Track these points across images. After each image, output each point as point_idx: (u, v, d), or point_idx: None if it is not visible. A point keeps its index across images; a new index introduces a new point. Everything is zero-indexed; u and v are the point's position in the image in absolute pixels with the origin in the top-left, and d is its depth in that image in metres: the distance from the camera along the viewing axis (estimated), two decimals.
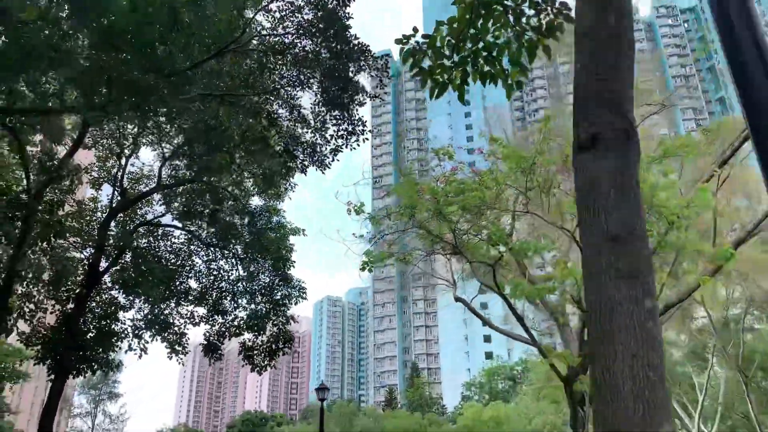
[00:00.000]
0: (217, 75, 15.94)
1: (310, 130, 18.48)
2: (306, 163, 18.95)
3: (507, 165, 15.79)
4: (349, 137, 17.72)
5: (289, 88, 17.64)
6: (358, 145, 17.73)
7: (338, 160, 18.43)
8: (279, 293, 20.73)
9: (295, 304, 21.05)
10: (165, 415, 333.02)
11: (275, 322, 20.65)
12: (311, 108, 17.89)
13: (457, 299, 21.19)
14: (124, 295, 20.19)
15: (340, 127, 17.70)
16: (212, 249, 21.35)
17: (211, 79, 15.67)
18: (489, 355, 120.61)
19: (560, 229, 15.70)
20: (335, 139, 17.94)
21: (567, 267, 13.09)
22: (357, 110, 17.51)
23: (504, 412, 55.59)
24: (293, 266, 20.56)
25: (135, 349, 18.84)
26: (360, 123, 17.64)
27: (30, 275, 17.18)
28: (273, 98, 17.92)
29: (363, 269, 17.57)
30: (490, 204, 15.99)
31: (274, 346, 20.37)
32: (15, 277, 16.01)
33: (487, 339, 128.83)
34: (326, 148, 18.31)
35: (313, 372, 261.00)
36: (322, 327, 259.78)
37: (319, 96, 17.33)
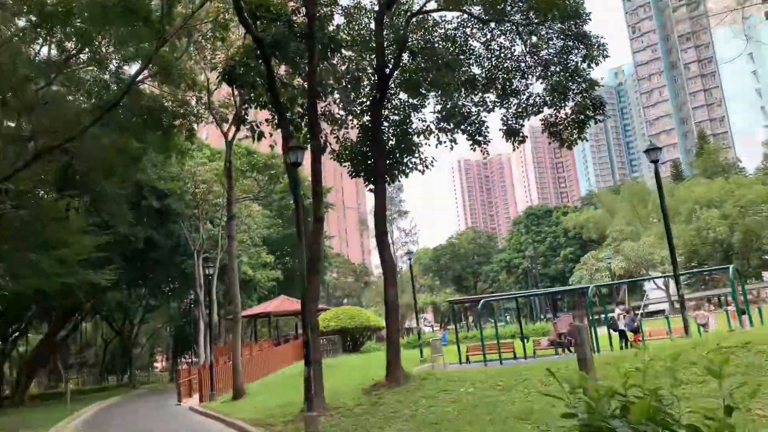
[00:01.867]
0: None
1: None
2: None
3: None
4: None
5: None
6: None
7: None
8: (575, 57, 17.99)
9: (596, 65, 18.19)
10: (446, 227, 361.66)
11: (577, 90, 18.22)
12: None
13: None
14: (413, 98, 19.45)
15: None
16: (488, 26, 19.10)
17: None
18: None
19: None
20: None
21: None
22: None
23: None
24: (589, 20, 17.43)
25: (444, 142, 18.24)
26: None
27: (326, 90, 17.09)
28: None
29: None
30: None
31: (582, 116, 18.12)
32: (316, 98, 15.92)
33: None
34: None
35: (578, 163, 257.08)
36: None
37: None
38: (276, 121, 18.07)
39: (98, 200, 28.01)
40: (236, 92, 20.37)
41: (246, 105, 18.31)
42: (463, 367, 26.53)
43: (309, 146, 15.63)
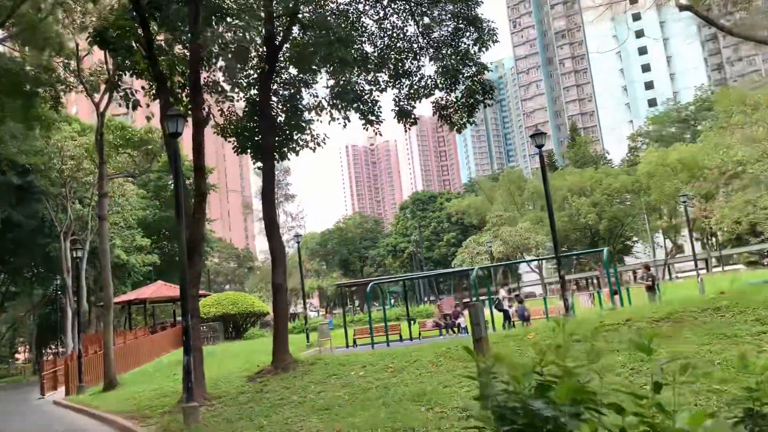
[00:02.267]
0: None
1: None
2: None
3: None
4: None
5: None
6: None
7: None
8: (467, 40, 18.06)
9: (486, 49, 18.37)
10: (333, 211, 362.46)
11: (467, 74, 18.33)
12: None
13: (684, 8, 17.20)
14: (303, 74, 18.72)
15: None
16: (381, 3, 18.72)
17: None
18: (653, 103, 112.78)
19: None
20: None
21: None
22: None
23: (690, 151, 51.51)
24: (481, 2, 17.51)
25: (337, 119, 17.69)
26: None
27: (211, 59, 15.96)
28: None
29: None
30: None
31: (471, 100, 18.26)
32: (199, 64, 14.78)
33: (649, 85, 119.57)
34: None
35: (460, 152, 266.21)
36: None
37: None
38: (154, 90, 16.72)
39: None
40: (109, 57, 18.63)
41: (120, 72, 16.74)
42: (351, 350, 26.38)
43: (190, 117, 14.54)
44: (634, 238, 72.47)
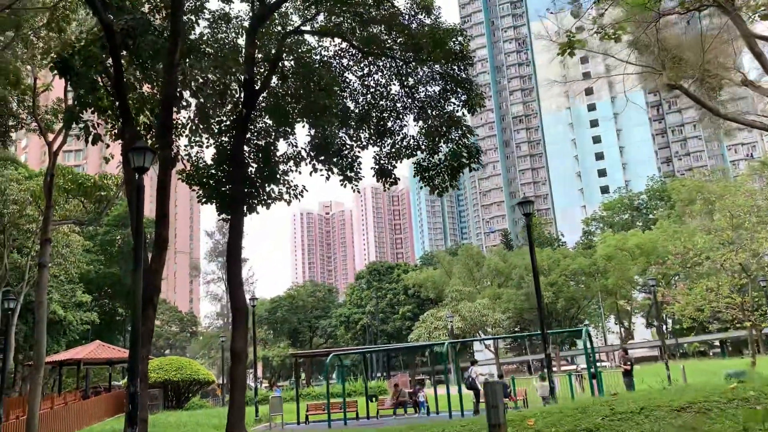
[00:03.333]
0: None
1: None
2: None
3: None
4: None
5: None
6: None
7: None
8: (456, 100, 17.42)
9: (473, 113, 17.78)
10: (282, 277, 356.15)
11: (452, 137, 17.59)
12: None
13: (673, 87, 17.02)
14: (279, 126, 17.63)
15: None
16: (366, 60, 18.04)
17: None
18: (605, 189, 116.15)
19: None
20: None
21: None
22: None
23: (648, 238, 52.15)
24: (470, 65, 16.97)
25: (320, 170, 16.47)
26: None
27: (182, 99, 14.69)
28: None
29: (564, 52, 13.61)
30: None
31: (456, 163, 17.42)
32: (173, 100, 13.50)
33: (602, 173, 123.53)
34: None
35: (415, 226, 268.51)
36: (419, 183, 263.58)
37: None
38: (116, 129, 15.31)
39: None
40: (69, 89, 17.20)
41: (80, 107, 15.27)
42: (303, 427, 24.19)
43: (156, 157, 13.12)
44: (586, 322, 72.29)
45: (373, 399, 26.13)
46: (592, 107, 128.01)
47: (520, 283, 63.62)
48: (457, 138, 17.69)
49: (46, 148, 21.23)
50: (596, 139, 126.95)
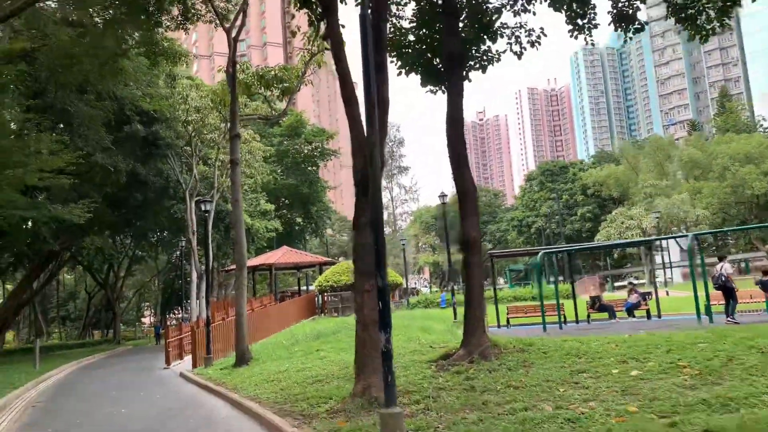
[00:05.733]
0: None
1: None
2: None
3: None
4: None
5: None
6: None
7: None
8: None
9: None
10: (439, 187, 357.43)
11: None
12: None
13: None
14: None
15: None
16: None
17: None
18: None
19: None
20: None
21: None
22: None
23: None
24: None
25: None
26: None
27: None
28: None
29: None
30: None
31: None
32: None
33: None
34: None
35: (577, 127, 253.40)
36: (580, 80, 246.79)
37: None
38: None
39: (67, 118, 22.70)
40: None
41: None
42: (505, 331, 21.98)
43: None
44: None
45: (595, 302, 23.08)
46: None
47: (723, 174, 55.60)
48: None
49: (213, 68, 19.69)
50: None
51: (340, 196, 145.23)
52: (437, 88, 14.08)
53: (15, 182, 17.26)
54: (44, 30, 19.75)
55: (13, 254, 35.21)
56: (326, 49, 20.93)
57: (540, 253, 21.80)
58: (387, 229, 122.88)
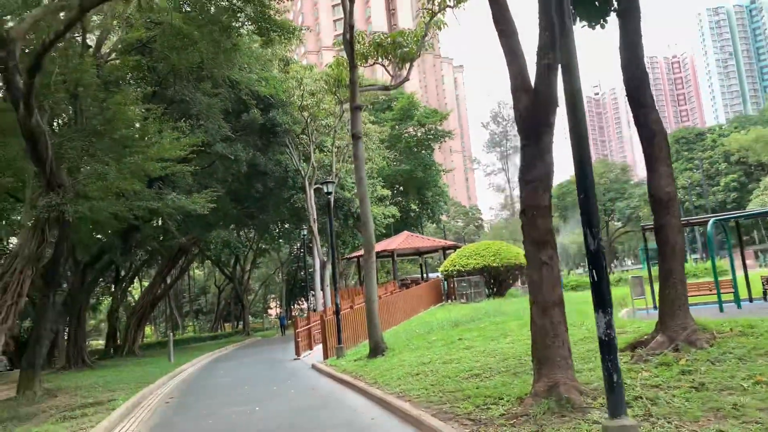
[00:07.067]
0: None
1: None
2: None
3: None
4: None
5: None
6: None
7: None
8: None
9: None
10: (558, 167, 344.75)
11: None
12: None
13: None
14: None
15: None
16: None
17: None
18: None
19: None
20: None
21: None
22: None
23: None
24: None
25: None
26: None
27: None
28: None
29: None
30: None
31: None
32: None
33: None
34: None
35: (704, 94, 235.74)
36: (705, 42, 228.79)
37: None
38: None
39: (186, 110, 22.37)
40: None
41: None
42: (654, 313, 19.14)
43: None
44: None
45: None
46: None
47: None
48: None
49: (321, 62, 18.27)
50: None
51: (453, 181, 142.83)
52: (595, 23, 11.71)
53: (137, 171, 16.85)
54: (157, 18, 19.38)
55: (146, 251, 36.42)
56: (448, 6, 19.03)
57: (710, 221, 18.61)
58: (505, 213, 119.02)
